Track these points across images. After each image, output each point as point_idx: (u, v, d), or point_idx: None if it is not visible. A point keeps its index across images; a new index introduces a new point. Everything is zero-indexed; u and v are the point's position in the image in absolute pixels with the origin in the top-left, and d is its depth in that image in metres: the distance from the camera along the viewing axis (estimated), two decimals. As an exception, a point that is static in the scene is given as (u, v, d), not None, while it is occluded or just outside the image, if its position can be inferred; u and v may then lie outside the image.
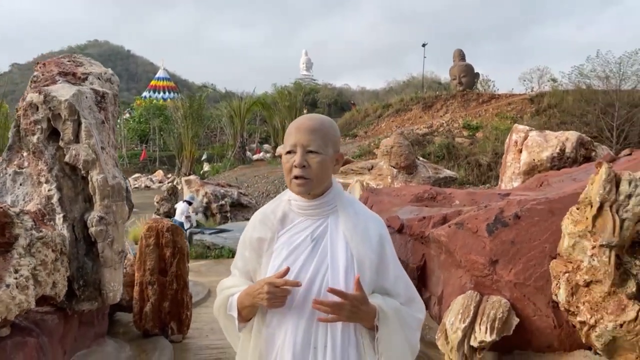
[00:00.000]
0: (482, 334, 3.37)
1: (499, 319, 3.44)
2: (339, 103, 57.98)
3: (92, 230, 3.23)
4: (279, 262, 1.52)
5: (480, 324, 3.45)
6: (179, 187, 16.68)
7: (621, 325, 2.95)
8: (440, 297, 4.05)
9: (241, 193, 15.63)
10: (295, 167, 1.47)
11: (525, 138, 6.23)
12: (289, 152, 1.51)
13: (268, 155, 38.69)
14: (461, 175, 27.17)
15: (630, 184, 3.02)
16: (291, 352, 1.45)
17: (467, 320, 3.46)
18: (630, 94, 29.88)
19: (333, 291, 1.39)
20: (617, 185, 3.06)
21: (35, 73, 3.47)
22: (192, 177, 16.19)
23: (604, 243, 3.01)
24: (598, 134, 29.92)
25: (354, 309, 1.40)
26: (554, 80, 36.57)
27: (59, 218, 3.20)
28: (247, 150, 38.81)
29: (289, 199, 1.59)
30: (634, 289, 2.99)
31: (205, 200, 15.04)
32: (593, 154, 5.95)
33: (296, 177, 1.48)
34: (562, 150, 5.86)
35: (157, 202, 15.33)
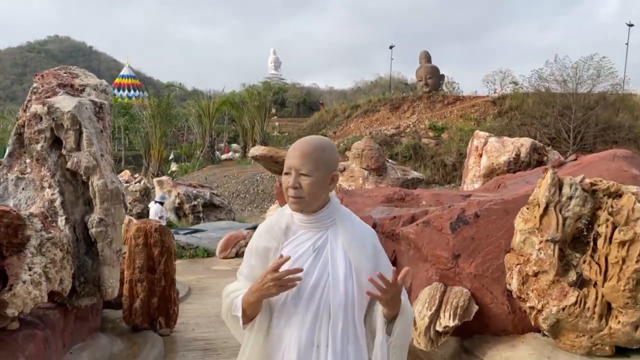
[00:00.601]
0: (446, 320, 3.80)
1: (460, 307, 3.88)
2: (307, 103, 58.16)
3: (92, 231, 3.50)
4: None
5: (444, 312, 3.88)
6: (151, 188, 16.69)
7: (563, 309, 3.44)
8: (410, 288, 4.47)
9: (214, 194, 15.80)
10: (289, 188, 1.64)
11: (485, 143, 6.79)
12: (286, 174, 1.67)
13: (237, 154, 38.64)
14: (427, 175, 27.98)
15: (571, 187, 3.51)
16: (296, 350, 1.59)
17: (433, 308, 3.89)
18: (585, 97, 31.39)
19: (379, 276, 1.54)
20: (560, 188, 3.55)
21: (35, 84, 3.70)
22: (164, 177, 16.24)
23: (549, 238, 3.49)
24: (556, 135, 31.36)
25: (396, 294, 1.58)
26: (515, 83, 37.97)
27: (61, 220, 3.45)
28: (216, 150, 38.66)
29: (291, 213, 1.72)
30: (574, 278, 3.48)
31: (177, 200, 15.14)
32: (545, 158, 6.54)
33: (291, 197, 1.65)
34: (518, 155, 6.44)
35: (130, 203, 15.32)
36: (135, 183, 16.39)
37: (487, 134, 7.28)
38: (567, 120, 30.52)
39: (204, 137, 37.30)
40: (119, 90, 56.61)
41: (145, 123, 36.13)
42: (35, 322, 3.34)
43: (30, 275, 2.83)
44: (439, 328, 3.83)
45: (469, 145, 7.45)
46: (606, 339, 3.38)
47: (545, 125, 31.60)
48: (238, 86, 50.53)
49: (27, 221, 2.98)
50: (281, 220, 1.73)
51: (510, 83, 38.92)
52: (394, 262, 4.75)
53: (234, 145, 42.56)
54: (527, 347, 3.74)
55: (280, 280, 1.54)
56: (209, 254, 10.79)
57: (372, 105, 39.04)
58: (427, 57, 39.43)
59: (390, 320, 1.64)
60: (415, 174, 9.96)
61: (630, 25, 39.11)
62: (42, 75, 3.80)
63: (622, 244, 3.30)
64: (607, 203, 3.49)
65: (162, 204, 12.86)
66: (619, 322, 3.31)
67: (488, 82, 40.24)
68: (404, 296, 1.67)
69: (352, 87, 64.78)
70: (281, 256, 1.60)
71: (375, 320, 1.67)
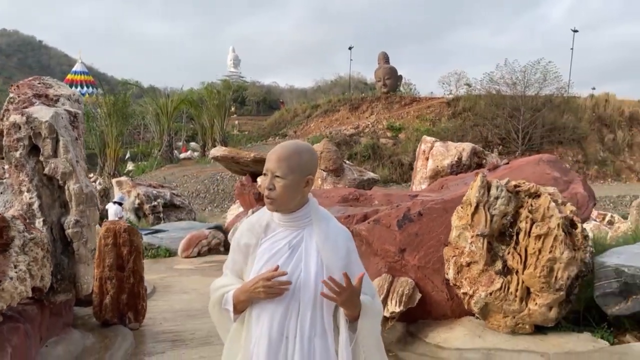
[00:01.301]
0: (393, 306, 4.30)
1: (405, 295, 4.39)
2: (267, 101, 58.11)
3: (68, 232, 3.77)
4: (261, 265, 1.77)
5: (391, 299, 4.38)
6: (109, 188, 16.57)
7: (490, 294, 3.99)
8: (362, 280, 4.95)
9: (174, 194, 15.88)
10: (265, 189, 1.77)
11: (432, 148, 7.40)
12: (264, 174, 1.78)
13: (196, 153, 38.33)
14: (385, 174, 28.79)
15: (497, 189, 4.06)
16: (267, 340, 1.71)
17: (381, 297, 4.38)
18: (533, 99, 33.03)
19: (331, 279, 1.64)
20: (489, 190, 4.10)
21: (11, 95, 3.92)
22: (123, 178, 16.18)
23: (479, 233, 4.04)
24: (506, 135, 32.89)
25: (351, 296, 1.66)
26: (469, 85, 39.45)
27: (38, 222, 3.71)
28: (174, 148, 38.23)
29: (271, 212, 1.82)
30: (500, 267, 4.04)
31: (137, 201, 15.14)
32: (484, 161, 7.20)
33: (265, 197, 1.77)
34: (460, 159, 7.07)
35: (88, 204, 15.15)
36: (92, 183, 16.24)
37: (433, 139, 7.89)
38: (517, 122, 32.06)
39: (162, 135, 36.78)
40: (71, 87, 54.59)
41: (100, 121, 35.25)
42: (17, 316, 3.59)
43: (16, 273, 3.11)
44: (386, 314, 4.31)
45: (418, 149, 8.05)
46: (526, 319, 3.96)
47: (496, 126, 33.08)
48: (197, 84, 49.96)
49: (10, 223, 3.24)
50: (262, 218, 1.84)
51: (465, 85, 40.37)
52: (348, 257, 5.22)
53: (193, 144, 42.14)
54: (462, 328, 4.28)
55: (271, 289, 1.68)
56: (170, 253, 10.97)
57: (332, 105, 39.62)
58: (385, 58, 40.25)
59: (353, 319, 1.73)
60: (370, 175, 10.51)
61: (575, 31, 41.38)
62: (17, 86, 4.03)
63: (539, 237, 3.87)
64: (527, 202, 4.07)
65: (121, 204, 12.89)
66: (536, 304, 3.88)
67: (444, 83, 41.55)
68: (369, 296, 1.77)
69: (312, 86, 65.28)
70: (277, 268, 1.70)
71: (339, 319, 1.74)
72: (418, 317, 4.64)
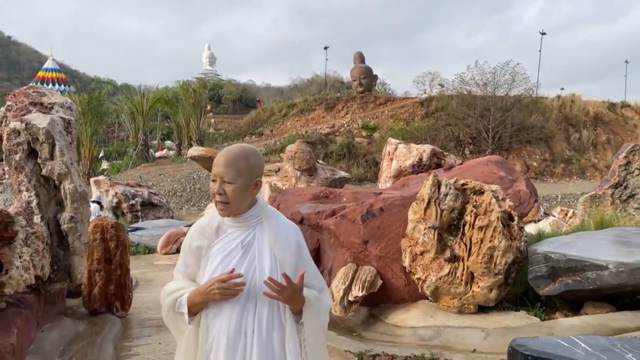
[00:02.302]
0: (356, 291, 4.84)
1: (368, 281, 4.93)
2: (244, 99, 58.08)
3: (64, 227, 4.19)
4: (215, 265, 1.79)
5: (355, 285, 4.92)
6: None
7: (440, 279, 4.57)
8: (330, 269, 5.48)
9: (152, 193, 16.15)
10: (215, 194, 1.78)
11: (396, 149, 8.01)
12: (213, 180, 1.80)
13: (171, 152, 38.29)
14: (360, 172, 29.41)
15: (446, 187, 4.64)
16: (225, 338, 1.73)
17: (347, 283, 4.92)
18: (503, 100, 34.08)
19: (271, 279, 1.70)
20: (439, 188, 4.67)
21: (9, 103, 4.31)
22: (100, 177, 16.36)
23: (430, 226, 4.61)
24: (477, 134, 33.87)
25: (292, 294, 1.72)
26: (442, 85, 40.38)
27: (36, 218, 4.12)
28: (149, 147, 38.11)
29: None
30: (448, 255, 4.62)
31: (115, 200, 15.38)
32: (442, 161, 7.81)
33: (217, 202, 1.79)
34: (420, 159, 7.68)
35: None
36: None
37: (397, 141, 8.49)
38: (487, 121, 33.04)
39: (137, 134, 36.61)
40: (42, 84, 53.65)
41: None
42: (17, 303, 3.99)
43: (21, 262, 3.53)
44: (350, 298, 4.85)
45: (384, 151, 8.64)
46: (471, 300, 4.55)
47: (467, 125, 34.03)
48: (172, 82, 49.62)
49: (15, 219, 3.66)
50: (212, 220, 1.86)
51: (438, 85, 41.28)
52: (318, 249, 5.75)
53: (168, 143, 42.00)
54: (418, 310, 4.86)
55: (226, 290, 1.72)
56: (150, 250, 11.33)
57: (308, 105, 40.00)
58: (361, 57, 40.73)
59: (297, 313, 1.79)
60: (342, 174, 11.07)
61: (543, 33, 42.76)
62: (14, 94, 4.42)
63: (481, 228, 4.47)
64: (473, 198, 4.66)
65: (99, 203, 13.15)
66: (479, 286, 4.48)
67: (418, 83, 42.33)
68: (317, 290, 1.85)
69: (289, 85, 65.55)
70: (232, 270, 1.73)
71: (286, 312, 1.80)
72: (380, 302, 5.19)
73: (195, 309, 1.79)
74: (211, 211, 1.91)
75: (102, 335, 4.70)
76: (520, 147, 34.22)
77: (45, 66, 58.92)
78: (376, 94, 40.86)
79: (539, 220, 11.38)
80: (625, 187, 7.74)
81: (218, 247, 1.82)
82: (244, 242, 1.81)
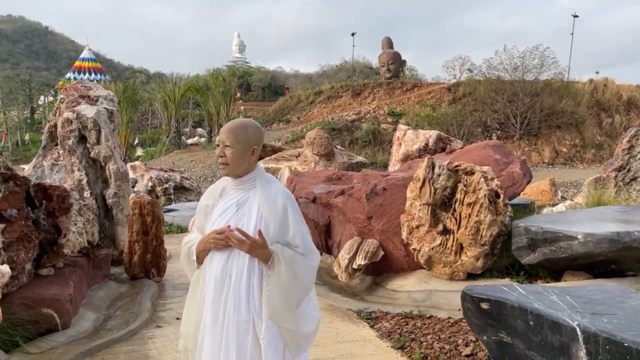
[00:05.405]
0: (360, 260, 5.47)
1: (370, 252, 5.55)
2: (272, 87, 58.58)
3: (109, 201, 4.96)
4: (214, 219, 2.16)
5: (359, 255, 5.55)
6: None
7: (433, 249, 5.15)
8: (339, 242, 6.13)
9: (184, 177, 17.09)
10: (218, 156, 2.13)
11: (404, 135, 8.53)
12: (217, 146, 2.16)
13: (203, 139, 39.41)
14: (385, 158, 29.72)
15: (439, 168, 5.20)
16: (214, 279, 2.08)
17: (352, 253, 5.56)
18: (532, 85, 33.63)
19: (239, 230, 2.04)
20: (433, 169, 5.23)
21: (61, 96, 5.09)
22: (137, 162, 17.42)
23: (424, 202, 5.18)
24: (505, 120, 33.64)
25: (252, 247, 2.02)
26: (470, 70, 40.00)
27: (86, 193, 4.89)
28: (181, 134, 39.27)
29: (227, 179, 2.21)
30: (441, 228, 5.19)
31: (150, 183, 16.39)
32: (447, 146, 8.28)
33: (219, 163, 2.14)
34: (427, 144, 8.18)
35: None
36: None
37: (407, 127, 9.01)
38: (515, 107, 32.78)
39: (170, 122, 37.76)
40: (79, 74, 55.39)
41: (110, 108, 36.22)
42: (72, 264, 4.81)
43: (76, 228, 4.31)
44: (354, 266, 5.50)
45: (394, 136, 9.17)
46: (460, 268, 5.12)
47: (495, 111, 33.80)
48: (202, 69, 50.60)
49: (70, 193, 4.43)
50: (220, 184, 2.25)
51: (466, 70, 40.88)
52: (328, 225, 6.40)
53: (199, 130, 43.17)
54: (414, 277, 5.46)
55: (218, 240, 2.07)
56: (182, 229, 12.22)
57: (334, 92, 40.33)
58: (389, 43, 40.55)
59: (266, 264, 2.06)
60: (359, 158, 11.66)
61: (575, 16, 41.77)
62: (65, 89, 5.20)
63: (469, 204, 5.02)
64: (464, 178, 5.20)
65: (133, 186, 14.14)
66: (467, 255, 5.04)
67: (448, 68, 41.90)
68: (276, 247, 2.05)
69: (317, 71, 65.65)
70: (229, 227, 2.07)
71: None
72: (382, 271, 5.82)
73: (202, 255, 2.16)
74: (222, 178, 2.27)
75: (142, 294, 5.49)
76: (550, 133, 33.79)
77: (82, 56, 60.72)
78: (403, 79, 40.79)
79: (555, 205, 11.73)
80: (629, 170, 8.08)
81: (219, 205, 2.18)
82: (238, 202, 2.14)
